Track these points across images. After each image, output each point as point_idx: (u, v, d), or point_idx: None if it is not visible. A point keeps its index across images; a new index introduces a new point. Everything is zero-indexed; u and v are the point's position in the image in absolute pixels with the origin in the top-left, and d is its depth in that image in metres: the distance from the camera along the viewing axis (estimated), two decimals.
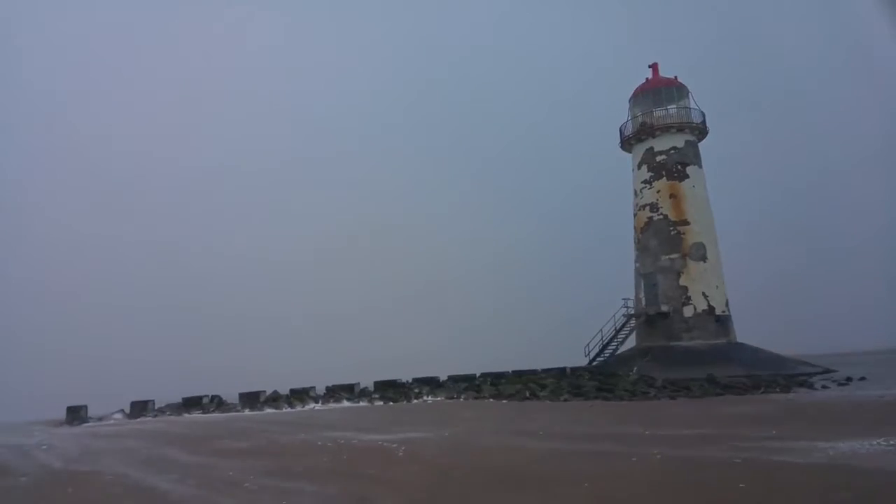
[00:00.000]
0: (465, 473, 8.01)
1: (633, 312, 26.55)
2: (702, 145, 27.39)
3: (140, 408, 24.40)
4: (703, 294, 24.94)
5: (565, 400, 19.97)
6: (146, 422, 21.85)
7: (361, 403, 23.46)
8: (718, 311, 25.00)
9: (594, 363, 26.05)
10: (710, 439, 9.99)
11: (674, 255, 25.59)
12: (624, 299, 26.96)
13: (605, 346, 26.31)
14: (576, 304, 45.59)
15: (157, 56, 61.69)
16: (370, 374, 27.05)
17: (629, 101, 28.53)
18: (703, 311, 24.77)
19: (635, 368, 23.40)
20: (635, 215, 27.64)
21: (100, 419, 23.33)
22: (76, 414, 23.32)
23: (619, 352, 26.44)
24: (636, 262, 27.28)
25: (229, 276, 50.45)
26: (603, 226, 58.44)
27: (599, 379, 22.40)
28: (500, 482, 7.36)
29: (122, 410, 24.38)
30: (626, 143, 28.32)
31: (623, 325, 26.34)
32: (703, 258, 25.44)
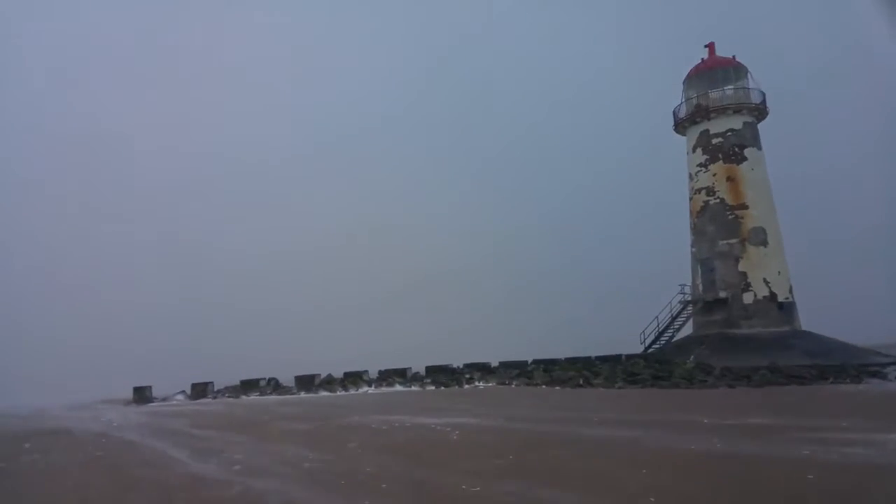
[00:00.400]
0: (518, 459, 7.99)
1: (689, 299, 25.85)
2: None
3: (200, 389, 25.37)
4: (764, 280, 24.01)
5: (620, 387, 19.72)
6: (207, 403, 22.71)
7: (413, 388, 23.75)
8: (781, 298, 24.03)
9: (649, 350, 25.55)
10: (773, 430, 9.67)
11: (732, 240, 24.72)
12: (681, 285, 26.23)
13: (660, 334, 25.75)
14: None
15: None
16: (416, 359, 27.45)
17: (683, 82, 27.54)
18: (764, 297, 23.86)
19: (692, 356, 22.83)
20: (690, 199, 26.81)
21: (163, 399, 24.40)
22: (142, 394, 24.46)
23: (675, 339, 25.84)
24: (692, 247, 26.49)
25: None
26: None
27: (655, 366, 21.97)
28: (553, 468, 7.31)
29: (184, 392, 25.41)
30: (680, 126, 27.41)
31: (679, 312, 25.69)
32: (764, 243, 24.47)
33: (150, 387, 25.08)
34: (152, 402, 24.06)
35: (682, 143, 27.92)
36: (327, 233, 55.14)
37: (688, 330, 26.28)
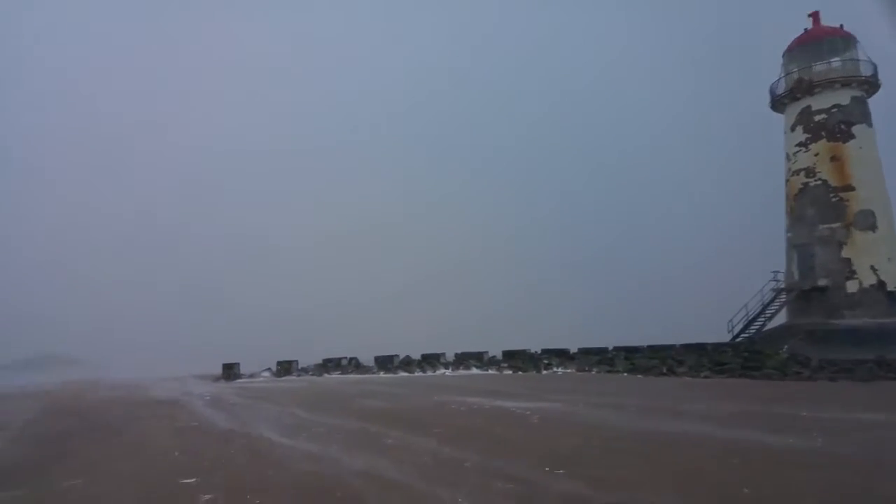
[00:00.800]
0: (601, 445, 7.74)
1: (783, 287, 24.30)
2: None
3: (285, 367, 26.44)
4: (872, 267, 22.15)
5: (706, 377, 18.89)
6: (291, 380, 23.66)
7: (490, 371, 23.76)
8: (892, 287, 22.10)
9: (737, 339, 24.30)
10: (885, 426, 8.91)
11: (834, 225, 22.92)
12: (773, 272, 24.74)
13: (750, 322, 24.42)
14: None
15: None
16: (489, 343, 27.51)
17: (783, 56, 25.62)
18: (872, 286, 22.02)
19: (786, 347, 21.48)
20: (787, 181, 25.05)
21: (250, 376, 25.61)
22: (230, 370, 25.79)
23: (766, 328, 24.42)
24: (788, 231, 24.83)
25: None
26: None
27: (744, 356, 20.87)
28: (635, 457, 7.00)
29: (270, 369, 26.55)
30: (778, 103, 25.58)
31: (771, 301, 24.23)
32: (872, 227, 22.53)
33: (238, 364, 26.38)
34: (240, 378, 25.30)
35: (770, 122, 26.25)
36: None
37: (780, 319, 24.78)
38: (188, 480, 6.08)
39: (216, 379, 24.89)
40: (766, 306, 24.34)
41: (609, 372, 21.51)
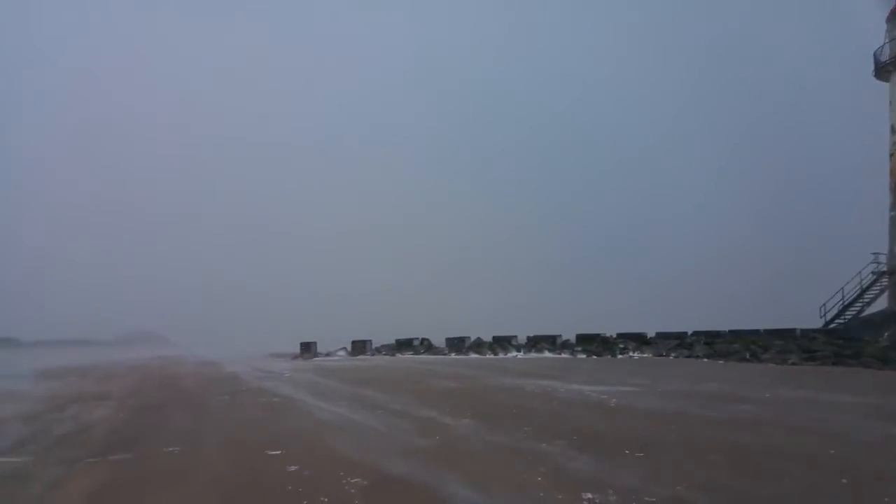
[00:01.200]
0: (681, 430, 7.43)
1: (885, 269, 22.59)
2: None
3: (360, 347, 27.17)
4: None
5: (793, 364, 17.88)
6: (365, 359, 24.31)
7: (563, 355, 23.51)
8: None
9: (831, 325, 22.86)
10: None
11: None
12: (874, 254, 23.06)
13: (846, 308, 22.90)
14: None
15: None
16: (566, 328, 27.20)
17: (887, 21, 23.57)
18: None
19: (886, 334, 20.03)
20: (891, 156, 23.19)
21: (327, 354, 26.50)
22: (308, 349, 26.77)
23: (863, 314, 22.84)
24: (891, 210, 23.00)
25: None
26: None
27: (838, 343, 19.59)
28: (717, 443, 6.64)
29: (345, 348, 27.38)
30: (882, 71, 23.58)
31: (871, 284, 22.61)
32: None
33: (316, 342, 27.32)
34: (317, 356, 26.19)
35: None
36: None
37: (881, 304, 23.10)
38: (274, 452, 6.30)
39: (294, 357, 25.88)
40: (864, 290, 22.78)
41: (688, 357, 20.80)
